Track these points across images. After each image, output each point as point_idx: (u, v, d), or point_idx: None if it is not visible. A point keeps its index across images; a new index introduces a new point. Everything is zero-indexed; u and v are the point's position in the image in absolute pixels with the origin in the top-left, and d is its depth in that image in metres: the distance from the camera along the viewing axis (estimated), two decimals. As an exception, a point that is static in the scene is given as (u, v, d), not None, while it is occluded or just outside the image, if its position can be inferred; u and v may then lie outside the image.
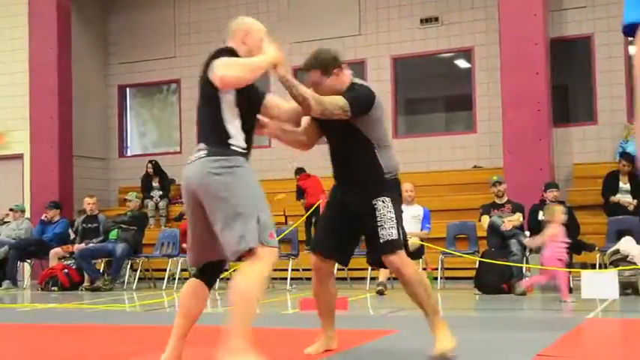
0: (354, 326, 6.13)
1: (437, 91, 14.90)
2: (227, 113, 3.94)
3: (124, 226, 11.49)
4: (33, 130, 14.35)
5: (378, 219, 4.29)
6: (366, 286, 9.96)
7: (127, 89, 16.29)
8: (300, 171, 12.64)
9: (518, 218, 9.65)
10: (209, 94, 3.96)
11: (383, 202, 4.33)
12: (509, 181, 10.17)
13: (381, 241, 4.28)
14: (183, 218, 13.87)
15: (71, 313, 8.22)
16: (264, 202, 3.91)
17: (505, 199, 9.95)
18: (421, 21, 13.81)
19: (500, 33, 12.06)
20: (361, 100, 4.32)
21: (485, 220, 9.78)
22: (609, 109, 12.48)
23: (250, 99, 4.06)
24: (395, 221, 4.32)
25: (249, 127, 4.04)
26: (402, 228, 4.42)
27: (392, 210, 4.33)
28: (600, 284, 8.14)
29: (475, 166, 13.33)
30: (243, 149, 3.95)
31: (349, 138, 4.41)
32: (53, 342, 5.62)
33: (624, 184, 10.80)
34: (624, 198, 10.69)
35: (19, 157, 14.82)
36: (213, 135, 3.95)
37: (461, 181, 13.15)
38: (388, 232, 4.28)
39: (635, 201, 10.59)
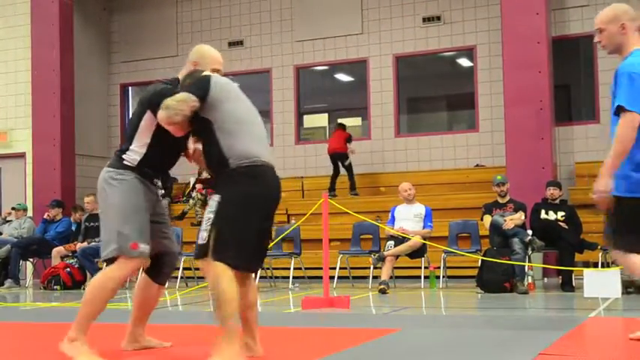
0: (356, 325, 6.14)
1: (439, 90, 14.91)
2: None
3: (126, 224, 11.48)
4: (35, 128, 14.37)
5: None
6: (369, 285, 9.96)
7: (130, 88, 16.31)
8: (339, 126, 13.93)
9: (520, 217, 9.64)
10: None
11: (213, 200, 4.06)
12: (511, 180, 10.17)
13: (197, 242, 4.07)
14: (185, 217, 13.89)
15: (73, 311, 8.18)
16: (133, 215, 4.27)
17: (508, 198, 9.94)
18: (423, 20, 13.82)
19: (502, 32, 12.05)
20: (195, 82, 4.24)
21: (488, 219, 9.77)
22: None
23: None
24: (209, 223, 3.98)
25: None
26: (224, 226, 3.96)
27: (213, 210, 3.99)
28: (603, 283, 8.13)
29: (477, 165, 13.33)
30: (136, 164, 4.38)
31: (194, 121, 4.22)
32: (55, 341, 5.62)
33: (627, 183, 10.78)
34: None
35: (22, 155, 14.83)
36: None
37: (463, 180, 13.17)
38: (201, 234, 4.01)
39: (638, 200, 10.57)
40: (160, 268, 4.54)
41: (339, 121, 14.32)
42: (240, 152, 4.07)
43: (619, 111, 4.32)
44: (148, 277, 4.56)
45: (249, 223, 4.00)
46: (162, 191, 4.68)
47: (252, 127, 4.20)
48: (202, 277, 11.10)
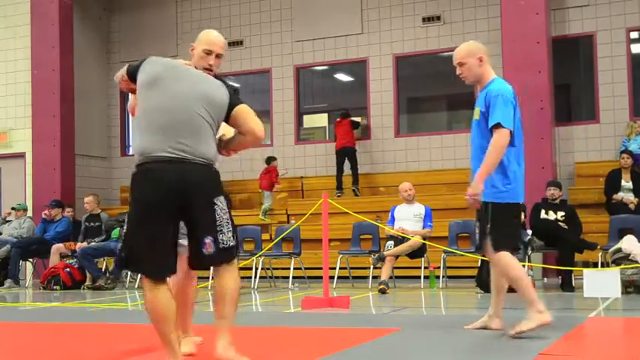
0: (356, 325, 6.14)
1: (439, 90, 14.89)
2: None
3: (126, 224, 11.49)
4: (35, 128, 14.37)
5: None
6: (369, 285, 9.96)
7: (129, 88, 16.29)
8: (343, 114, 13.71)
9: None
10: None
11: None
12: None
13: None
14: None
15: (73, 311, 8.22)
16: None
17: (507, 198, 9.92)
18: (423, 20, 13.81)
19: (502, 31, 12.05)
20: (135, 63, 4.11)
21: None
22: (611, 108, 12.47)
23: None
24: (122, 238, 3.80)
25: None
26: (126, 238, 3.73)
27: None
28: (602, 283, 8.13)
29: (477, 165, 13.31)
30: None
31: None
32: (55, 341, 5.63)
33: (626, 182, 10.80)
34: (626, 196, 10.69)
35: (22, 155, 14.83)
36: None
37: (463, 180, 13.13)
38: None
39: (637, 199, 10.58)
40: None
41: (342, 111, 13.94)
42: (136, 150, 3.78)
43: (497, 127, 5.04)
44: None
45: (140, 228, 3.67)
46: None
47: (158, 117, 3.78)
48: (201, 277, 11.11)
